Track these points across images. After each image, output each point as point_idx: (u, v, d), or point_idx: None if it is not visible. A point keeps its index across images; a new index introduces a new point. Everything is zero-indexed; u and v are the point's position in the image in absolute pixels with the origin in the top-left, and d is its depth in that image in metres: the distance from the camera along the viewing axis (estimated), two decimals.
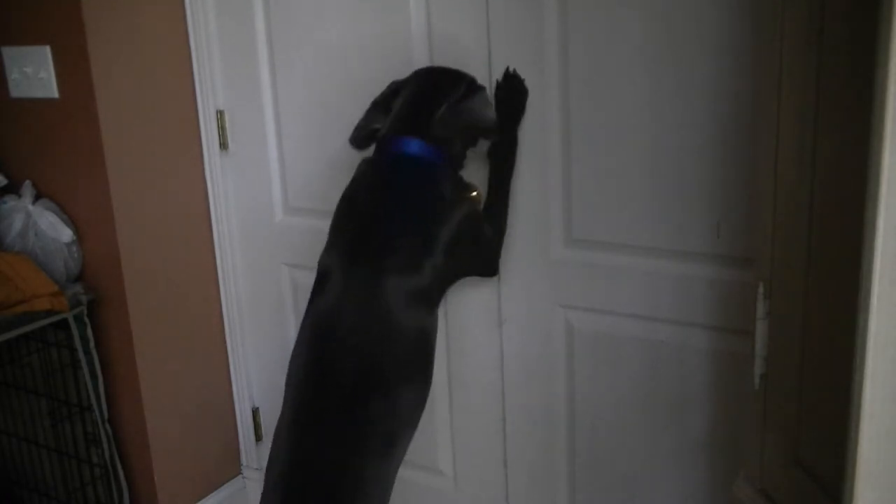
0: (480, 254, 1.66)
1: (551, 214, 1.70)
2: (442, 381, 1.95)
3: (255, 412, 2.30)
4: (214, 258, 2.19)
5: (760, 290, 1.18)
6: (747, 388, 1.25)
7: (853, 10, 0.92)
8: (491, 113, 1.62)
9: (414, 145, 1.56)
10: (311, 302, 1.55)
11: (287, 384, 1.53)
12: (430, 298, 1.52)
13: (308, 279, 2.08)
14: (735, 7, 1.42)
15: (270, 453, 1.51)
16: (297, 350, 1.54)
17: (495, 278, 1.79)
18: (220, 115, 2.09)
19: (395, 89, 1.66)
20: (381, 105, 1.66)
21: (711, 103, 1.48)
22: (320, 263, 1.57)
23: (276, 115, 2.03)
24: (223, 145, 2.11)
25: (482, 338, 1.86)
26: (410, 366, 1.50)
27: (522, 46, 1.64)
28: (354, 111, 1.85)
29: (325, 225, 2.03)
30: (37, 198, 2.00)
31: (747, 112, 1.44)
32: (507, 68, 1.65)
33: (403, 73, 1.77)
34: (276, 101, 2.01)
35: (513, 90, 1.65)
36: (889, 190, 0.77)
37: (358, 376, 1.45)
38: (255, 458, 2.33)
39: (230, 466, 2.33)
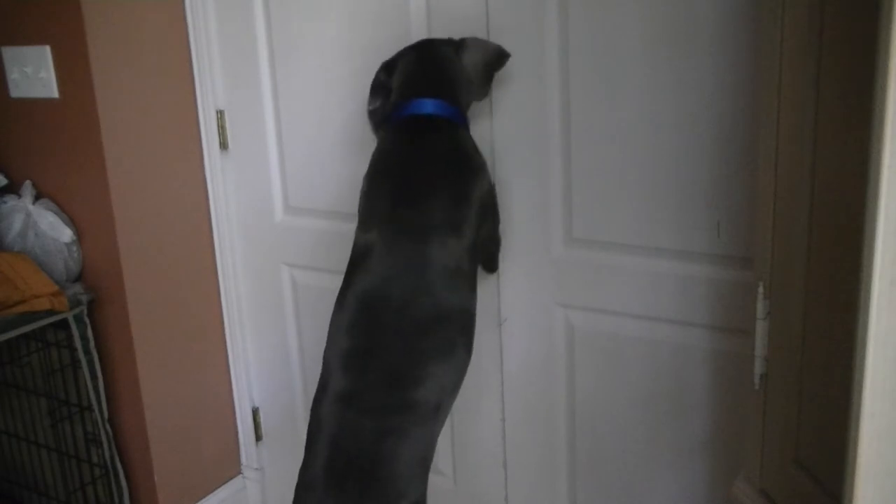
0: (494, 232, 1.67)
1: (551, 214, 1.70)
2: None
3: (255, 412, 2.30)
4: (214, 258, 2.19)
5: (760, 290, 1.18)
6: (747, 388, 1.25)
7: (853, 10, 0.92)
8: (492, 45, 1.61)
9: (429, 105, 1.53)
10: (350, 277, 1.50)
11: (327, 364, 1.48)
12: (470, 271, 1.50)
13: (308, 279, 2.09)
14: (735, 7, 1.42)
15: (309, 430, 1.47)
16: (339, 329, 1.48)
17: (495, 278, 1.79)
18: (220, 115, 2.09)
19: (387, 67, 1.63)
20: (382, 86, 1.63)
21: (711, 103, 1.48)
22: (357, 241, 1.51)
23: (276, 115, 2.03)
24: (223, 145, 2.12)
25: (482, 337, 1.86)
26: (457, 339, 1.46)
27: (522, 46, 1.64)
28: (355, 111, 1.85)
29: (325, 225, 2.04)
30: (37, 198, 2.00)
31: (747, 112, 1.44)
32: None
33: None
34: (276, 101, 2.02)
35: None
36: (889, 190, 0.77)
37: (406, 353, 1.42)
38: (255, 458, 2.33)
39: (230, 466, 2.33)
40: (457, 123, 1.55)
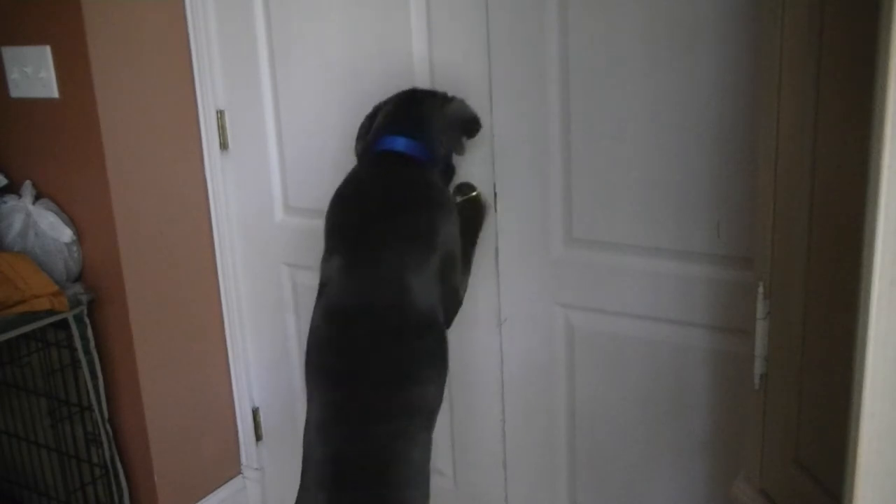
0: (454, 281, 1.62)
1: (551, 214, 1.70)
2: None
3: (255, 412, 2.30)
4: (214, 258, 2.19)
5: (760, 290, 1.18)
6: (747, 388, 1.25)
7: (853, 10, 0.92)
8: (472, 111, 1.67)
9: (399, 142, 1.58)
10: (320, 295, 1.53)
11: (308, 380, 1.51)
12: (435, 290, 1.51)
13: (308, 279, 2.09)
14: (735, 7, 1.42)
15: (305, 452, 1.48)
16: (312, 346, 1.51)
17: (494, 278, 1.79)
18: (220, 115, 2.09)
19: (373, 113, 1.70)
20: (366, 128, 1.69)
21: (711, 103, 1.48)
22: (322, 271, 1.55)
23: (276, 115, 2.03)
24: (223, 145, 2.12)
25: (482, 337, 1.86)
26: (433, 355, 1.48)
27: (523, 46, 1.64)
28: (355, 110, 1.85)
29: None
30: (37, 198, 2.00)
31: (747, 112, 1.44)
32: (473, 189, 1.74)
33: (403, 71, 1.77)
34: (276, 101, 2.02)
35: (477, 210, 1.73)
36: (889, 190, 0.77)
37: (389, 371, 1.44)
38: (255, 458, 2.33)
39: (230, 466, 2.33)
40: (427, 163, 1.59)
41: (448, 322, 1.61)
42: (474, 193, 1.70)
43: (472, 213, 1.73)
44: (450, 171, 1.71)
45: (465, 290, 1.68)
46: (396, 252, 1.47)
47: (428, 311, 1.48)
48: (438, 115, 1.63)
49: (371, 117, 1.70)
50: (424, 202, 1.54)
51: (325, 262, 1.55)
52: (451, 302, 1.60)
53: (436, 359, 1.48)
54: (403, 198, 1.54)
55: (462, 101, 1.67)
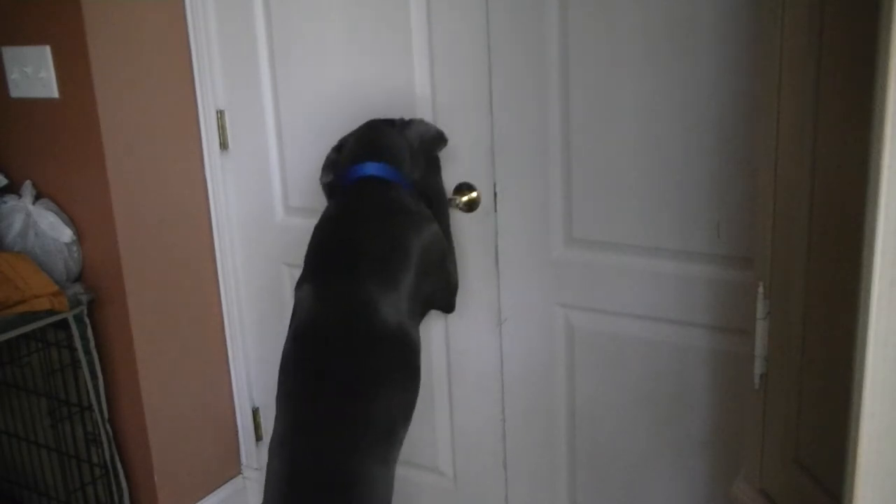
0: (444, 277, 1.68)
1: (551, 214, 1.70)
2: (442, 381, 1.95)
3: (255, 412, 2.30)
4: (214, 258, 2.19)
5: (760, 290, 1.18)
6: (747, 388, 1.25)
7: (853, 10, 0.92)
8: (433, 128, 1.71)
9: (370, 167, 1.62)
10: (291, 321, 1.57)
11: (277, 401, 1.54)
12: (408, 312, 1.54)
13: None
14: (735, 7, 1.42)
15: (268, 468, 1.51)
16: (280, 373, 1.55)
17: (494, 278, 1.79)
18: (220, 115, 2.09)
19: (338, 147, 1.74)
20: (333, 163, 1.73)
21: (711, 103, 1.48)
22: (295, 296, 1.59)
23: (276, 115, 2.03)
24: (223, 145, 2.12)
25: (482, 337, 1.86)
26: (398, 373, 1.50)
27: (523, 46, 1.64)
28: (355, 110, 1.85)
29: None
30: (37, 198, 2.00)
31: (747, 112, 1.44)
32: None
33: (403, 71, 1.77)
34: (276, 101, 2.02)
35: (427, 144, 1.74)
36: (889, 190, 0.77)
37: (343, 386, 1.46)
38: (255, 458, 2.33)
39: (230, 466, 2.33)
40: (398, 184, 1.62)
41: (451, 306, 1.74)
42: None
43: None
44: (433, 191, 1.73)
45: (455, 271, 1.73)
46: (362, 273, 1.50)
47: (392, 329, 1.49)
48: (400, 140, 1.67)
49: (337, 149, 1.74)
50: (393, 222, 1.56)
51: (297, 290, 1.59)
52: (446, 290, 1.69)
53: (393, 374, 1.49)
54: (372, 219, 1.57)
55: (420, 121, 1.71)
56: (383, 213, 1.57)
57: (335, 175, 1.70)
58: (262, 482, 2.33)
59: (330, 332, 1.49)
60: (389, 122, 1.72)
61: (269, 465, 1.50)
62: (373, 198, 1.60)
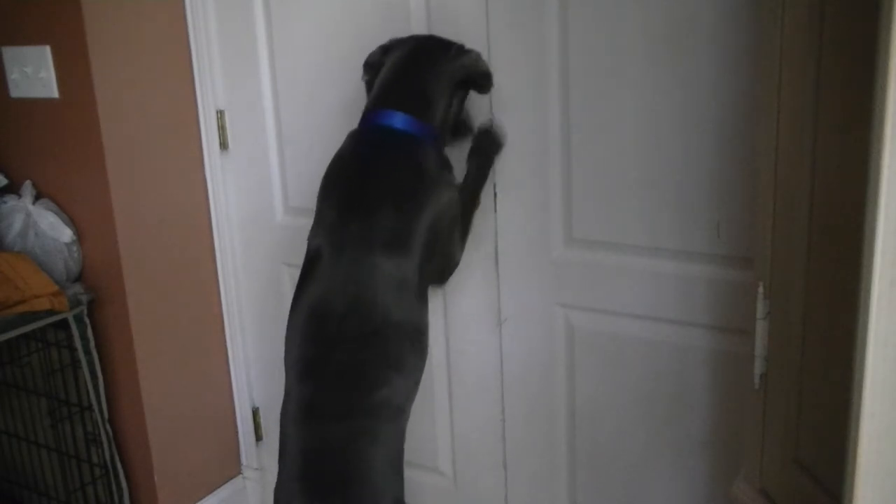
0: (449, 249, 1.62)
1: (551, 214, 1.70)
2: (442, 381, 1.95)
3: (255, 412, 2.30)
4: (214, 258, 2.19)
5: (760, 290, 1.18)
6: (747, 388, 1.25)
7: (853, 10, 0.92)
8: (485, 66, 1.61)
9: (397, 119, 1.53)
10: (301, 284, 1.53)
11: (287, 373, 1.52)
12: (418, 284, 1.50)
13: None
14: (735, 7, 1.42)
15: (280, 444, 1.50)
16: (292, 338, 1.52)
17: (494, 278, 1.79)
18: (220, 115, 2.09)
19: (385, 49, 1.63)
20: (375, 63, 1.63)
21: (711, 103, 1.48)
22: (309, 242, 1.54)
23: (276, 115, 2.03)
24: (223, 145, 2.12)
25: (482, 337, 1.86)
26: (403, 349, 1.48)
27: (523, 46, 1.64)
28: (355, 110, 1.85)
29: None
30: (37, 198, 2.00)
31: (747, 112, 1.44)
32: (490, 120, 1.69)
33: None
34: (276, 101, 2.02)
35: (491, 140, 1.69)
36: (889, 190, 0.77)
37: (354, 362, 1.45)
38: (255, 458, 2.33)
39: (230, 466, 2.33)
40: (423, 140, 1.54)
41: (442, 281, 1.67)
42: (491, 124, 1.69)
43: (487, 144, 1.69)
44: (462, 127, 1.67)
45: (462, 251, 1.67)
46: (372, 250, 1.46)
47: (396, 314, 1.47)
48: (447, 71, 1.56)
49: (384, 50, 1.63)
50: (411, 189, 1.50)
51: (312, 233, 1.54)
52: (445, 266, 1.63)
53: (402, 360, 1.48)
54: (388, 187, 1.50)
55: (477, 55, 1.61)
56: (402, 179, 1.51)
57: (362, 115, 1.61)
58: (262, 482, 2.34)
59: (339, 316, 1.45)
60: (444, 47, 1.59)
61: (283, 437, 1.49)
62: (393, 158, 1.52)
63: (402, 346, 1.48)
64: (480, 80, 1.61)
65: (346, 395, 1.44)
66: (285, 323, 2.17)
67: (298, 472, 1.44)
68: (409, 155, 1.53)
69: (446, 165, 1.59)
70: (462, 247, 1.68)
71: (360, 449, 1.42)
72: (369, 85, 1.66)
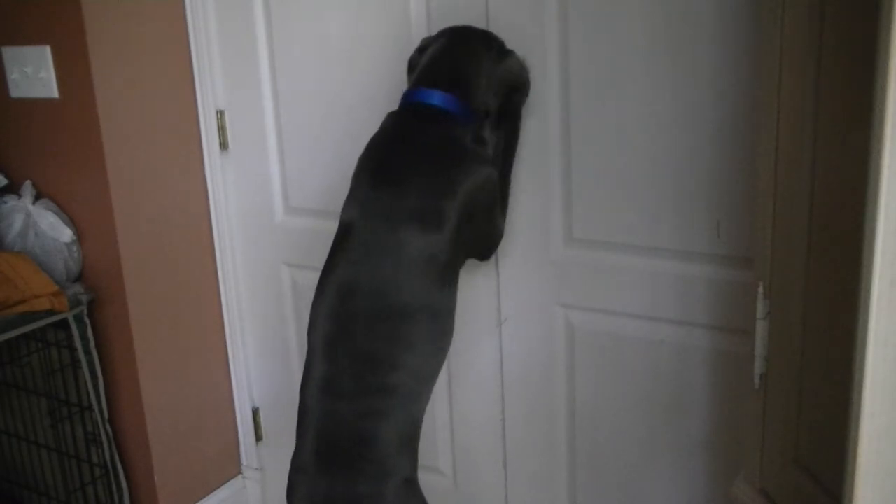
0: (490, 227, 1.62)
1: (551, 214, 1.70)
2: (442, 381, 1.95)
3: (255, 412, 2.30)
4: (214, 258, 2.19)
5: (760, 290, 1.18)
6: (747, 388, 1.25)
7: (853, 11, 0.92)
8: (526, 74, 1.62)
9: (435, 96, 1.53)
10: (330, 258, 1.51)
11: (308, 347, 1.51)
12: (447, 263, 1.49)
13: (309, 279, 2.09)
14: (735, 7, 1.42)
15: (299, 414, 1.50)
16: (316, 311, 1.50)
17: (494, 278, 1.79)
18: (220, 115, 2.09)
19: (421, 49, 1.64)
20: (416, 61, 1.64)
21: (711, 103, 1.48)
22: (343, 214, 1.53)
23: (276, 115, 2.03)
24: (223, 145, 2.12)
25: (482, 337, 1.86)
26: (427, 329, 1.47)
27: (523, 46, 1.64)
28: (355, 110, 1.85)
29: (325, 225, 2.03)
30: (37, 198, 2.00)
31: (747, 112, 1.44)
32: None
33: (404, 70, 1.77)
34: (276, 102, 2.02)
35: (515, 89, 1.65)
36: (889, 190, 0.77)
37: (370, 341, 1.44)
38: (255, 458, 2.33)
39: (230, 466, 2.33)
40: (460, 117, 1.53)
41: (487, 256, 1.69)
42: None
43: (515, 102, 1.67)
44: (507, 125, 1.67)
45: (504, 221, 1.68)
46: (403, 226, 1.44)
47: (422, 294, 1.46)
48: (486, 65, 1.56)
49: (420, 51, 1.63)
50: (446, 165, 1.49)
51: (346, 205, 1.53)
52: (489, 239, 1.64)
53: (420, 341, 1.46)
54: (423, 163, 1.49)
55: (519, 60, 1.61)
56: (437, 155, 1.50)
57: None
58: (262, 482, 2.34)
59: (366, 294, 1.44)
60: (485, 42, 1.59)
61: (301, 407, 1.50)
62: (430, 134, 1.51)
63: (420, 327, 1.46)
64: (521, 84, 1.62)
65: (361, 374, 1.43)
66: (285, 322, 2.19)
67: (312, 445, 1.46)
68: (445, 130, 1.52)
69: (483, 142, 1.58)
70: (504, 217, 1.68)
71: (371, 427, 1.42)
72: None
